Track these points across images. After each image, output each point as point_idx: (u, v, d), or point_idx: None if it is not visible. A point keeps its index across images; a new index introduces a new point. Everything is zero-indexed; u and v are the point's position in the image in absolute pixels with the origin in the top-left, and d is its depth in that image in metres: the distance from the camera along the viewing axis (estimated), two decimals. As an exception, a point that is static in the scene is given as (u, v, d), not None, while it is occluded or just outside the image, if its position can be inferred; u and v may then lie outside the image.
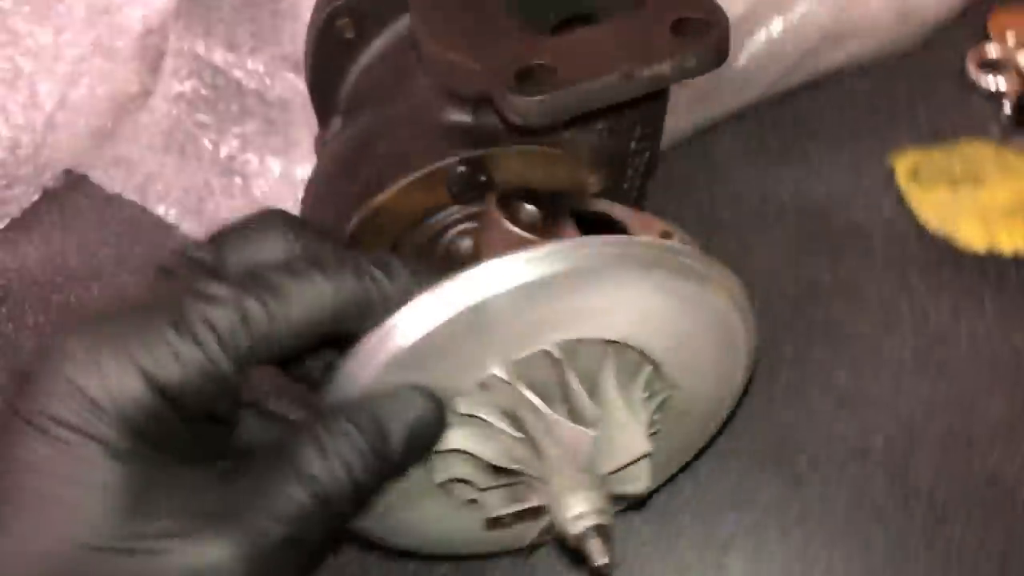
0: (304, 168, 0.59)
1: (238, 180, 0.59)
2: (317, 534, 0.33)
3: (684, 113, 0.56)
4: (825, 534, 0.47)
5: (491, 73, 0.37)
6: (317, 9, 0.48)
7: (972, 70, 0.60)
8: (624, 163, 0.46)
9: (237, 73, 0.60)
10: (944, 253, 0.54)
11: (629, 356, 0.39)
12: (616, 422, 0.39)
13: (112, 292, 0.59)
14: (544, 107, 0.37)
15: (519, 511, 0.40)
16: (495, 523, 0.41)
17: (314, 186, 0.47)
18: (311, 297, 0.32)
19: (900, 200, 0.56)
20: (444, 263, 0.43)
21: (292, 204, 0.58)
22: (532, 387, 0.37)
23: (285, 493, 0.31)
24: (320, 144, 0.50)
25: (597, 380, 0.39)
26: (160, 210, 0.61)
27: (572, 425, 0.37)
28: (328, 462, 0.32)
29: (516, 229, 0.39)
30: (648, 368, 0.40)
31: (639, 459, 0.40)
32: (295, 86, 0.59)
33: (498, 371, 0.37)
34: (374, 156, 0.43)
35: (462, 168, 0.41)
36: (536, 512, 0.40)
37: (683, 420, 0.43)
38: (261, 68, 0.60)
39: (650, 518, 0.48)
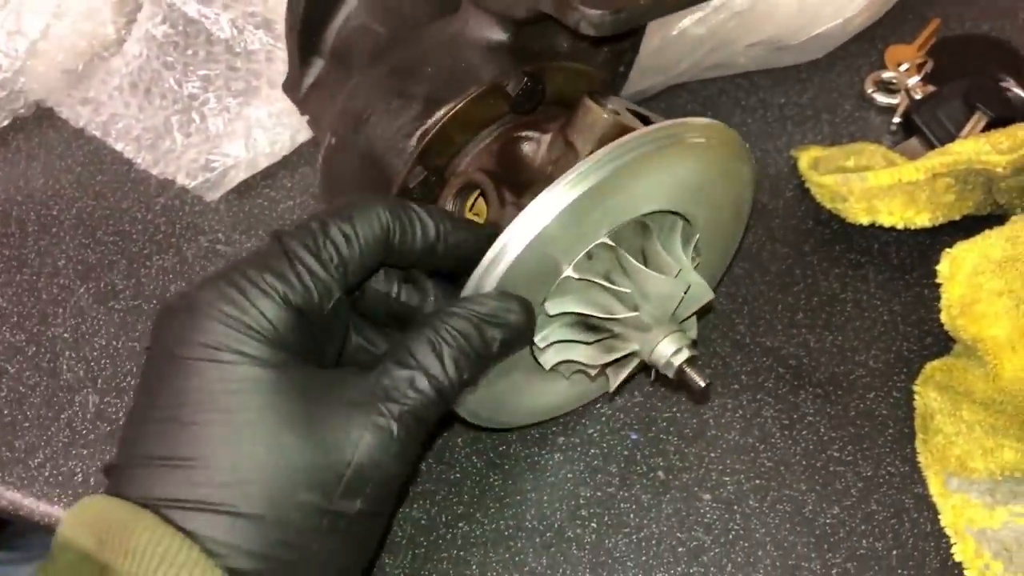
0: (258, 110, 0.63)
1: (196, 117, 0.63)
2: (435, 416, 0.40)
3: (632, 83, 0.62)
4: (718, 450, 0.52)
5: None
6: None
7: (870, 88, 0.68)
8: (614, 82, 0.54)
9: (208, 24, 0.65)
10: (837, 233, 0.61)
11: (678, 222, 0.47)
12: (687, 277, 0.46)
13: (73, 214, 0.63)
14: (616, 20, 0.43)
15: (608, 361, 0.47)
16: (599, 373, 0.48)
17: (351, 117, 0.49)
18: (373, 222, 0.40)
19: (800, 188, 0.62)
20: (511, 165, 0.48)
21: (242, 140, 0.63)
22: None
23: (415, 387, 0.39)
24: (297, 85, 0.54)
25: (667, 245, 0.47)
26: (119, 146, 0.65)
27: (663, 277, 0.45)
28: (446, 365, 0.40)
29: (611, 116, 0.45)
30: (696, 234, 0.48)
31: (704, 307, 0.48)
32: (261, 40, 0.65)
33: (605, 239, 0.44)
34: (423, 78, 0.47)
35: (526, 80, 0.47)
36: (623, 361, 0.48)
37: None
38: (231, 22, 0.65)
39: (565, 426, 0.53)
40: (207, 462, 0.36)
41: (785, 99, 0.68)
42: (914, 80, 0.67)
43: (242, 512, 0.36)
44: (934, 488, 0.50)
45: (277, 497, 0.36)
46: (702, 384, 0.45)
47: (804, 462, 0.52)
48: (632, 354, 0.47)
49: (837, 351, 0.56)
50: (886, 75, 0.68)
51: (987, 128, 0.62)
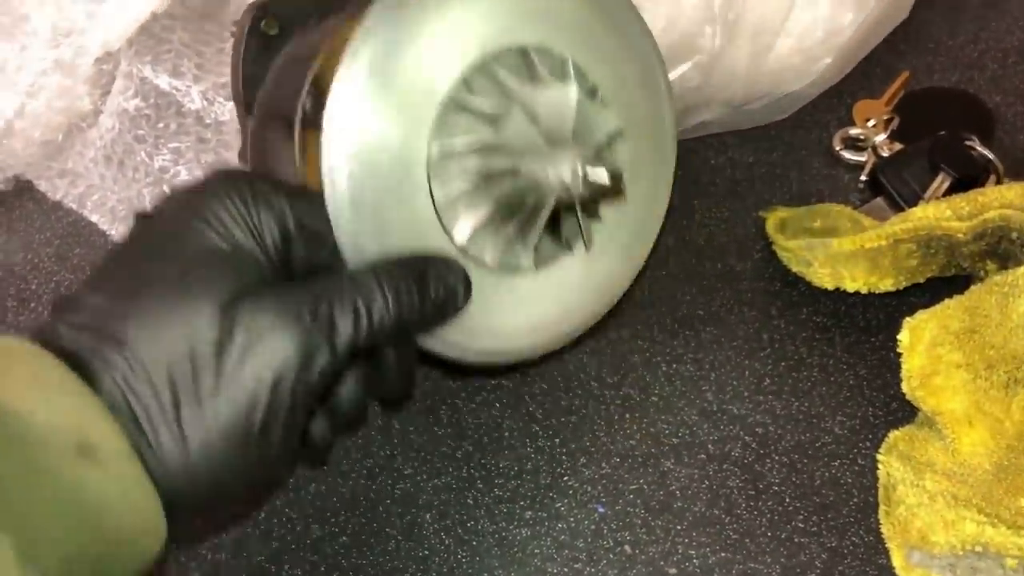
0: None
1: (167, 190, 0.64)
2: (364, 344, 0.40)
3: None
4: (684, 523, 0.53)
5: None
6: (244, 15, 0.53)
7: (838, 146, 0.68)
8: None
9: (179, 96, 0.65)
10: (804, 295, 0.61)
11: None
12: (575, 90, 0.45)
13: (51, 288, 0.64)
14: None
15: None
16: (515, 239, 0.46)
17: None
18: None
19: (768, 249, 0.63)
20: None
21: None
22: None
23: (361, 314, 0.40)
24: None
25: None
26: (95, 218, 0.66)
27: (555, 84, 0.44)
28: (386, 301, 0.40)
29: None
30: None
31: (613, 135, 0.48)
32: (232, 111, 0.65)
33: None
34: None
35: None
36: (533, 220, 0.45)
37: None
38: (201, 94, 0.66)
39: (533, 500, 0.54)
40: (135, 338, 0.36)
41: (754, 158, 0.69)
42: (881, 137, 0.67)
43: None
44: (896, 561, 0.50)
45: (179, 375, 0.37)
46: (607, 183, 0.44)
47: (769, 533, 0.52)
48: (541, 206, 0.45)
49: (803, 418, 0.56)
50: (854, 131, 0.69)
51: (952, 187, 0.62)
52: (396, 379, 0.45)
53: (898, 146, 0.67)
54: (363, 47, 0.41)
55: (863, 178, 0.67)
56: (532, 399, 0.58)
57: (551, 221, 0.46)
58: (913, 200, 0.63)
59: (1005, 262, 0.57)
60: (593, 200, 0.47)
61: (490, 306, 0.47)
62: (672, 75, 0.60)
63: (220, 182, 0.40)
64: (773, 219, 0.63)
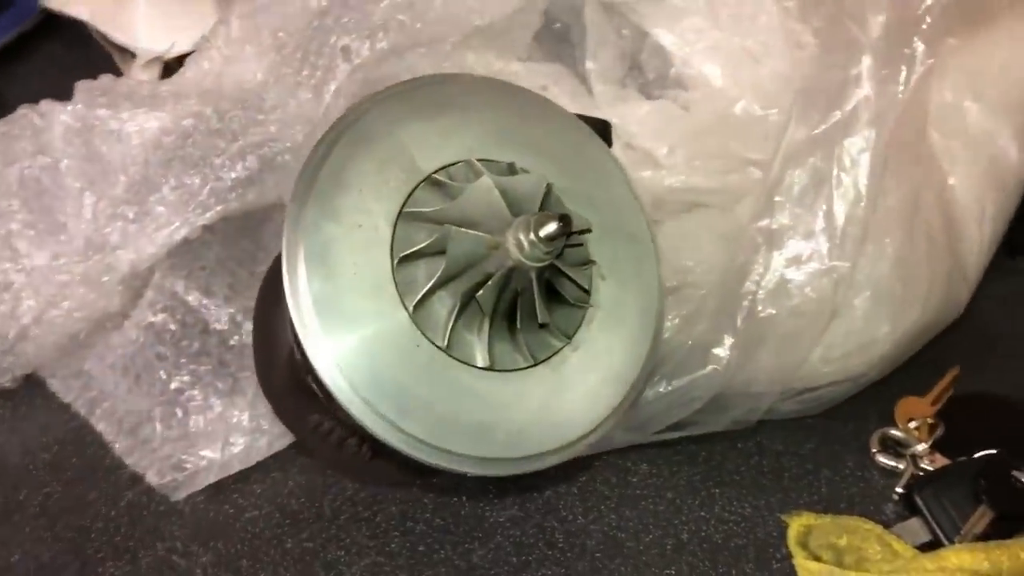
0: (241, 413, 0.63)
1: (179, 412, 0.63)
2: None
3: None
4: None
5: None
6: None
7: (874, 448, 0.64)
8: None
9: (206, 315, 0.64)
10: (821, 621, 0.57)
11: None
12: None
13: (39, 500, 0.62)
14: None
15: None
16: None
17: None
18: None
19: (789, 560, 0.59)
20: None
21: (219, 443, 0.62)
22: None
23: None
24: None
25: None
26: (101, 427, 0.64)
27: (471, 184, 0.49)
28: None
29: None
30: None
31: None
32: (257, 337, 0.64)
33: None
34: None
35: None
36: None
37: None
38: (230, 316, 0.65)
39: None
40: None
41: (784, 446, 0.65)
42: (922, 447, 0.63)
43: None
44: None
45: None
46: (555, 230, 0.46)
47: None
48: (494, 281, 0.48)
49: None
50: (894, 432, 0.65)
51: (994, 522, 0.58)
52: None
53: (940, 458, 0.63)
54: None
55: (899, 490, 0.62)
56: None
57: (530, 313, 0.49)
58: (952, 529, 0.58)
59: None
60: (560, 274, 0.50)
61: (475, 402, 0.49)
62: (680, 382, 0.57)
63: None
64: (797, 526, 0.60)
